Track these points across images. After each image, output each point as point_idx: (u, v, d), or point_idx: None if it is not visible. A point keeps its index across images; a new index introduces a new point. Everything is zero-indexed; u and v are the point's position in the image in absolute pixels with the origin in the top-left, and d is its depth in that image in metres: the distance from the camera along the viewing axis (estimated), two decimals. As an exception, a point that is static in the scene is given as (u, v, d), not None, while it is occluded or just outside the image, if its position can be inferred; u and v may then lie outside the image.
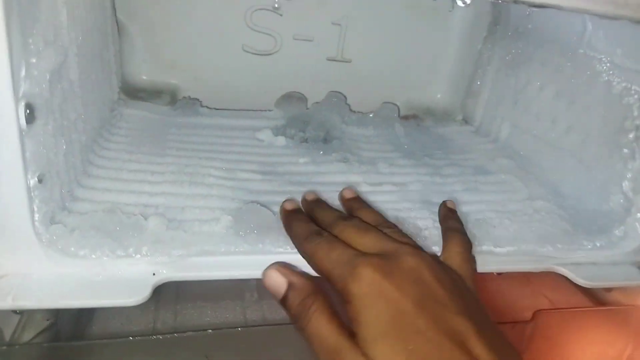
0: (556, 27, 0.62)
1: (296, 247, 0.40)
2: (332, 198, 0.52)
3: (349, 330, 0.31)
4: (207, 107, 0.73)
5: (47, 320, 0.46)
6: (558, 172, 0.61)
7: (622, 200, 0.52)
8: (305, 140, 0.66)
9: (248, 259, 0.42)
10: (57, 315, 0.48)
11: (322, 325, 0.32)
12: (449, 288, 0.33)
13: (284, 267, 0.37)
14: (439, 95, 0.85)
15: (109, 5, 0.59)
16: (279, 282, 0.36)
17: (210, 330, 0.47)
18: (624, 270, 0.50)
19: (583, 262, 0.50)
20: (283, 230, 0.44)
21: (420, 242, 0.47)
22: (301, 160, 0.61)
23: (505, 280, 0.59)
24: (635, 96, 0.51)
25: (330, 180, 0.58)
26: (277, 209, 0.49)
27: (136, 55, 0.71)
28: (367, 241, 0.36)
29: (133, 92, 0.71)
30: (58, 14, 0.40)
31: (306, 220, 0.42)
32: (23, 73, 0.33)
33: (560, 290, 0.60)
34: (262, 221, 0.44)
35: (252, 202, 0.47)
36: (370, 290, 0.31)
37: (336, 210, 0.45)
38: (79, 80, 0.46)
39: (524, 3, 0.38)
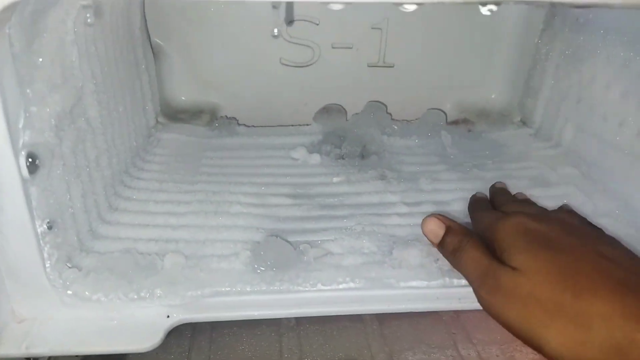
0: (621, 15, 0.54)
1: (470, 217, 0.46)
2: (370, 222, 0.49)
3: (499, 259, 0.35)
4: (245, 125, 0.72)
5: (76, 355, 0.46)
6: (629, 182, 0.53)
7: None
8: (342, 157, 0.63)
9: (265, 298, 0.40)
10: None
11: (477, 253, 0.36)
12: (595, 229, 0.38)
13: (441, 216, 0.42)
14: (493, 95, 0.78)
15: (138, 32, 0.59)
16: (437, 226, 0.41)
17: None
18: None
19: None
20: (302, 266, 0.42)
21: (458, 273, 0.43)
22: (335, 179, 0.58)
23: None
24: None
25: (364, 202, 0.54)
26: (303, 237, 0.47)
27: (174, 76, 0.71)
28: (516, 206, 0.43)
29: (173, 114, 0.72)
30: (67, 55, 0.40)
31: (486, 201, 0.49)
32: (22, 124, 0.33)
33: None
34: (281, 256, 0.42)
35: (273, 235, 0.44)
36: (515, 228, 0.36)
37: (514, 196, 0.50)
38: (100, 117, 0.46)
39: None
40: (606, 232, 0.39)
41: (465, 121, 0.75)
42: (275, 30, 0.65)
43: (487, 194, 0.56)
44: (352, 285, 0.41)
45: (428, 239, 0.42)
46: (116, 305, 0.38)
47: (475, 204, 0.48)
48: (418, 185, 0.57)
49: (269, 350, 0.53)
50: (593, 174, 0.58)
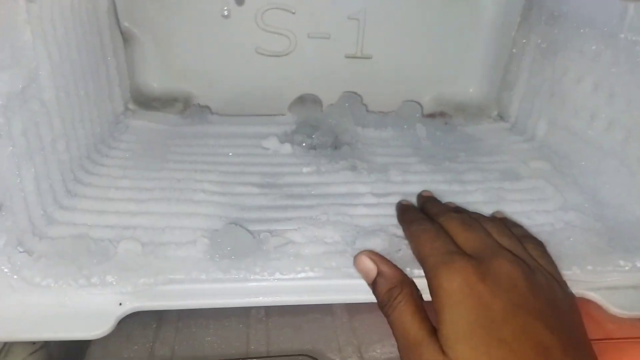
0: (594, 8, 0.53)
1: (404, 229, 0.42)
2: (337, 212, 0.48)
3: (432, 326, 0.32)
4: (218, 114, 0.70)
5: (34, 343, 0.45)
6: (598, 176, 0.53)
7: (671, 212, 0.44)
8: (314, 147, 0.62)
9: (221, 287, 0.39)
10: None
11: (405, 317, 0.32)
12: (542, 298, 0.32)
13: (375, 254, 0.38)
14: (471, 89, 0.77)
15: (105, 15, 0.57)
16: (369, 267, 0.37)
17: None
18: (673, 296, 0.42)
19: (620, 286, 0.42)
20: (260, 255, 0.41)
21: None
22: (305, 169, 0.57)
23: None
24: (687, 87, 0.43)
25: (332, 192, 0.53)
26: (266, 226, 0.46)
27: (146, 63, 0.70)
28: (469, 237, 0.36)
29: (145, 102, 0.70)
30: (19, 35, 0.38)
31: (419, 211, 0.45)
32: (-37, 102, 0.32)
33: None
34: (239, 245, 0.41)
35: (233, 223, 0.43)
36: (460, 289, 0.31)
37: (447, 205, 0.46)
38: (57, 100, 0.44)
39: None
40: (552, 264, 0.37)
41: (442, 114, 0.75)
42: (225, 11, 0.64)
43: (456, 187, 0.55)
44: (311, 274, 0.40)
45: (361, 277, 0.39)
46: (66, 291, 0.37)
47: (407, 214, 0.44)
48: (388, 177, 0.56)
49: (236, 342, 0.52)
50: (564, 168, 0.58)
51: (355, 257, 0.38)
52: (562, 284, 0.36)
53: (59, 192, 0.45)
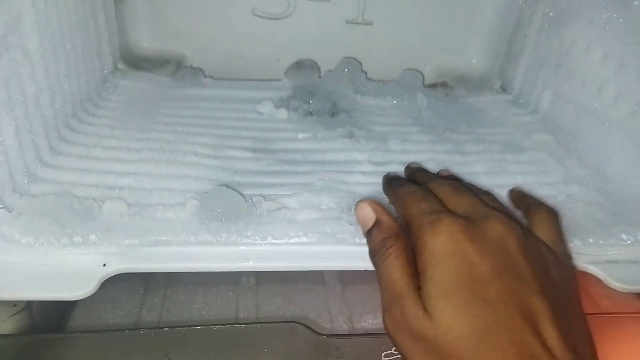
0: (607, -26, 0.51)
1: (389, 196, 0.39)
2: (333, 179, 0.47)
3: (418, 282, 0.31)
4: (211, 78, 0.68)
5: (15, 304, 0.44)
6: (603, 149, 0.51)
7: (677, 186, 0.42)
8: (310, 114, 0.60)
9: (210, 250, 0.37)
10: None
11: (393, 269, 0.31)
12: (534, 263, 0.30)
13: (377, 204, 0.36)
14: (474, 60, 0.75)
15: (95, -33, 0.54)
16: (369, 216, 0.35)
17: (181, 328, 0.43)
18: (675, 271, 0.41)
19: (621, 260, 0.41)
20: (252, 219, 0.39)
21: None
22: (300, 135, 0.55)
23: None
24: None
25: (329, 159, 0.51)
26: (259, 191, 0.44)
27: (137, 21, 0.67)
28: (460, 201, 0.35)
29: (136, 62, 0.67)
30: (-1, -25, 0.36)
31: (406, 179, 0.42)
32: None
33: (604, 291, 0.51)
34: (230, 207, 0.39)
35: (224, 185, 0.42)
36: (446, 248, 0.30)
37: (439, 173, 0.44)
38: (42, 51, 0.42)
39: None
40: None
41: (443, 85, 0.73)
42: None
43: (457, 157, 0.54)
44: (304, 239, 0.38)
45: (359, 224, 0.37)
46: (47, 250, 0.35)
47: (394, 181, 0.41)
48: (387, 146, 0.54)
49: (225, 310, 0.51)
50: (568, 142, 0.56)
51: (357, 204, 0.37)
52: (562, 255, 0.34)
53: (43, 149, 0.43)
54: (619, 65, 0.50)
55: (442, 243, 0.30)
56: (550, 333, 0.27)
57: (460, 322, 0.27)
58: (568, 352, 0.27)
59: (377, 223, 0.35)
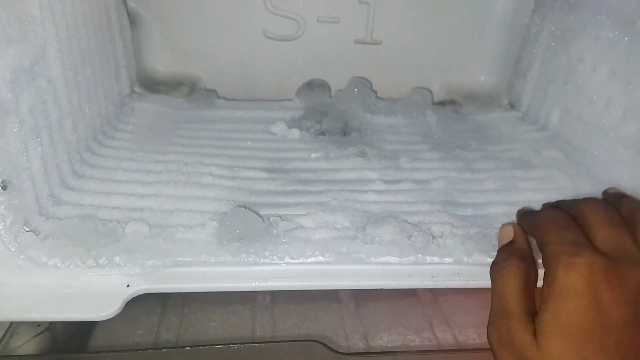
0: (612, -5, 0.52)
1: (528, 221, 0.37)
2: (346, 198, 0.48)
3: (534, 308, 0.30)
4: (225, 99, 0.69)
5: (38, 325, 0.45)
6: (613, 165, 0.52)
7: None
8: (322, 133, 0.61)
9: (230, 270, 0.38)
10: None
11: (508, 287, 0.31)
12: None
13: (520, 228, 0.37)
14: (482, 77, 0.76)
15: (113, -6, 0.56)
16: (506, 235, 0.36)
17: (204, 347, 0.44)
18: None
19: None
20: (270, 239, 0.40)
21: (432, 250, 0.41)
22: (314, 155, 0.56)
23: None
24: None
25: (342, 178, 0.53)
26: (275, 211, 0.45)
27: (152, 45, 0.69)
28: (608, 235, 0.32)
29: (151, 85, 0.69)
30: (27, 9, 0.37)
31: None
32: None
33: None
34: (249, 228, 0.40)
35: (241, 206, 0.43)
36: (578, 287, 0.28)
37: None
38: (64, 78, 0.44)
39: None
40: None
41: (452, 102, 0.74)
42: None
43: (467, 175, 0.54)
44: (321, 259, 0.39)
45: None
46: (73, 272, 0.36)
47: (529, 212, 0.39)
48: (398, 164, 0.55)
49: (242, 328, 0.51)
50: (577, 158, 0.57)
51: (502, 226, 0.38)
52: None
53: (66, 172, 0.44)
54: (626, 82, 0.51)
55: (575, 280, 0.28)
56: None
57: None
58: None
59: (511, 242, 0.35)
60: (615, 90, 0.52)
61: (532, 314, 0.30)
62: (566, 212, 0.35)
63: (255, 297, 0.55)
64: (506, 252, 0.34)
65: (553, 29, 0.63)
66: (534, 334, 0.29)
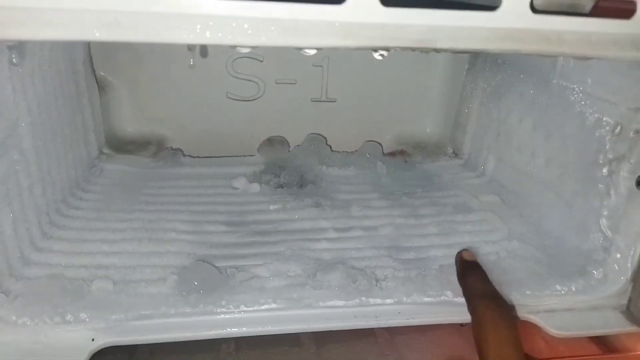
0: (531, 57, 0.59)
1: (467, 298, 0.42)
2: (300, 247, 0.52)
3: None
4: (190, 156, 0.74)
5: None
6: (540, 207, 0.58)
7: (601, 240, 0.48)
8: (281, 186, 0.66)
9: (189, 320, 0.42)
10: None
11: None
12: None
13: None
14: (428, 129, 0.83)
15: (81, 66, 0.61)
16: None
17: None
18: (604, 315, 0.46)
19: (558, 308, 0.46)
20: (226, 289, 0.44)
21: (375, 292, 0.45)
22: (272, 207, 0.61)
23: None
24: (607, 127, 0.48)
25: (298, 228, 0.57)
26: (233, 262, 0.49)
27: (121, 109, 0.73)
28: None
29: (120, 145, 0.73)
30: (0, 90, 0.42)
31: (482, 275, 0.43)
32: (-52, 154, 0.35)
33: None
34: (207, 280, 0.44)
35: (201, 259, 0.46)
36: None
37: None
38: (35, 148, 0.47)
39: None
40: None
41: (402, 152, 0.80)
42: (191, 61, 0.70)
43: (412, 220, 0.59)
44: (273, 306, 0.43)
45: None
46: (42, 328, 0.39)
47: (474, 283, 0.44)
48: (350, 212, 0.60)
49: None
50: (511, 201, 0.63)
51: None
52: None
53: (36, 234, 0.48)
54: (546, 134, 0.57)
55: None
56: None
57: None
58: None
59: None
60: (538, 140, 0.59)
61: None
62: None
63: (220, 345, 0.57)
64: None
65: (485, 86, 0.70)
66: None
